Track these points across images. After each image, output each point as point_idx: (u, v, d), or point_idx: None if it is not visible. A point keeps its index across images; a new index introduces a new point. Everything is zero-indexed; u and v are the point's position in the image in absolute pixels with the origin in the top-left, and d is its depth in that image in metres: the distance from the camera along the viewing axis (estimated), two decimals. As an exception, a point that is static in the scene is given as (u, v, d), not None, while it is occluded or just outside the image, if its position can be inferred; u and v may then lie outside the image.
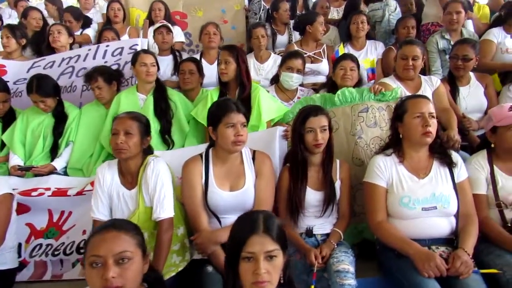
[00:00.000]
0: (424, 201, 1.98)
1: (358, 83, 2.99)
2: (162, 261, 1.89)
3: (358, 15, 3.78)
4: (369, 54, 3.80)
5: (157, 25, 3.88)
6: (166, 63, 3.78)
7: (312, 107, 2.19)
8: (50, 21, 4.62)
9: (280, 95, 3.13)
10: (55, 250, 2.44)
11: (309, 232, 2.15)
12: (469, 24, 3.96)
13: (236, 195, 2.05)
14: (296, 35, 4.19)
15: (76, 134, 2.92)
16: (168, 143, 2.84)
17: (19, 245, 2.39)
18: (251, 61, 3.71)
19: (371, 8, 4.36)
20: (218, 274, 1.88)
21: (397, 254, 1.94)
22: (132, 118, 2.02)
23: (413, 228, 1.98)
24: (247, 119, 2.58)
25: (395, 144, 2.14)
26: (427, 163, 2.08)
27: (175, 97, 2.96)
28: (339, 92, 2.63)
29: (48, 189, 2.49)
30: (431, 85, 2.91)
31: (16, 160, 2.84)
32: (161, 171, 2.00)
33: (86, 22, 4.58)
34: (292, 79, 3.08)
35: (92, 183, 2.34)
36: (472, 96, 3.00)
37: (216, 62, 3.22)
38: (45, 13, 4.99)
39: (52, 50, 3.69)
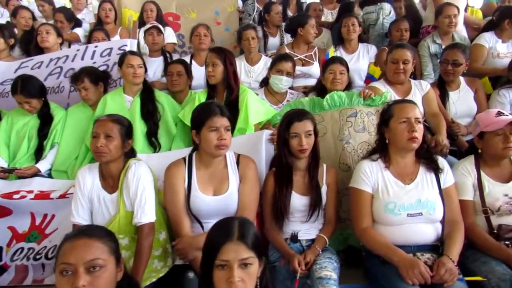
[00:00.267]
0: (410, 207, 1.96)
1: (348, 86, 2.97)
2: (142, 267, 1.85)
3: (348, 18, 3.77)
4: (361, 57, 3.79)
5: (147, 26, 3.84)
6: (157, 65, 3.75)
7: (296, 112, 2.16)
8: (43, 21, 4.58)
9: (269, 98, 3.11)
10: (37, 254, 2.39)
11: (294, 238, 2.13)
12: (462, 28, 3.95)
13: (219, 199, 2.02)
14: (288, 38, 4.17)
15: (62, 136, 2.88)
16: (154, 146, 2.80)
17: (0, 249, 2.35)
18: (242, 63, 3.69)
19: (366, 11, 4.34)
20: (200, 280, 1.85)
21: (382, 260, 1.92)
22: (113, 120, 1.99)
23: (399, 235, 1.96)
24: (233, 122, 2.57)
25: (381, 149, 2.12)
26: (413, 169, 2.06)
27: (163, 99, 2.93)
28: (328, 96, 2.61)
29: (31, 191, 2.45)
30: (420, 89, 2.90)
31: (-1, 162, 2.80)
32: (142, 175, 1.97)
33: (78, 24, 4.53)
34: (281, 82, 3.05)
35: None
36: (462, 101, 2.98)
37: (207, 64, 3.19)
38: (37, 13, 4.97)
39: (40, 50, 3.65)
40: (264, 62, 3.68)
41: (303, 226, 2.14)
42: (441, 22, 3.62)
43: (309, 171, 2.16)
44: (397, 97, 2.75)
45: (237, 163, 2.09)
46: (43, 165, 2.78)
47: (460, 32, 3.86)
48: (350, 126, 2.52)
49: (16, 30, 4.22)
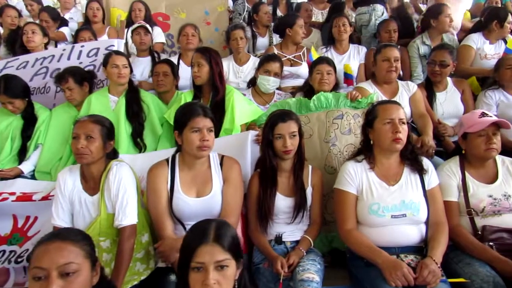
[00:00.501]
0: (394, 208, 1.95)
1: (335, 87, 2.96)
2: (123, 270, 1.82)
3: (339, 18, 3.75)
4: (352, 58, 3.77)
5: (135, 25, 3.81)
6: (144, 65, 3.71)
7: (280, 113, 2.14)
8: (30, 20, 4.52)
9: (256, 98, 3.09)
10: (19, 257, 2.34)
11: (278, 239, 2.11)
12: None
13: (202, 201, 2.00)
14: (277, 38, 4.15)
15: (46, 137, 2.85)
16: (140, 146, 2.77)
17: (-19, 252, 2.31)
18: (230, 63, 3.67)
19: (359, 12, 4.33)
20: (182, 283, 1.83)
21: (366, 262, 1.91)
22: (94, 121, 1.95)
23: (382, 236, 1.95)
24: (219, 123, 2.55)
25: (366, 150, 2.10)
26: (397, 170, 2.05)
27: (148, 99, 2.90)
28: (314, 97, 2.59)
29: (13, 193, 2.40)
30: (408, 90, 2.90)
31: (-19, 163, 2.75)
32: (124, 176, 1.94)
33: (64, 23, 4.48)
34: (269, 83, 3.04)
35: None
36: (449, 102, 2.99)
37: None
38: (25, 12, 4.91)
39: (26, 50, 3.60)
40: (253, 62, 3.65)
41: (287, 228, 2.13)
42: (442, 22, 3.61)
43: (294, 172, 2.14)
44: (385, 98, 2.74)
45: (221, 164, 2.07)
46: (26, 166, 2.75)
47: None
48: (336, 128, 2.51)
49: (1, 29, 4.16)
